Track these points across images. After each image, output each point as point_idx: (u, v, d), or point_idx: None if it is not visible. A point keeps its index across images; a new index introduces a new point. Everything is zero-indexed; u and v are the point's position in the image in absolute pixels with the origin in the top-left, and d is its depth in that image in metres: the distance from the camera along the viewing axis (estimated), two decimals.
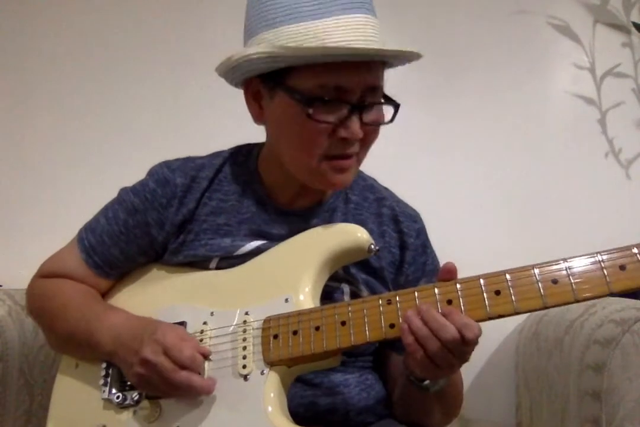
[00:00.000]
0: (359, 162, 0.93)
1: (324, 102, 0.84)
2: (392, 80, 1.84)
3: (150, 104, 1.75)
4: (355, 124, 0.86)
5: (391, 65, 0.95)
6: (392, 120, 0.92)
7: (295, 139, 0.89)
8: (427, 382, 0.82)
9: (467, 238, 1.62)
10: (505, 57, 1.75)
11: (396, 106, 0.92)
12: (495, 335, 1.56)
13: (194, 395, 0.83)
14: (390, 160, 1.66)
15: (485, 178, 1.70)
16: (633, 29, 1.71)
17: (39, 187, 1.71)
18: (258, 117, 0.94)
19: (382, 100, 0.91)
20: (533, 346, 1.35)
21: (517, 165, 1.70)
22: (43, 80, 1.77)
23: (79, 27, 1.79)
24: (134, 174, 1.04)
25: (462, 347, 0.73)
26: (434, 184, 1.69)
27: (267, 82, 0.89)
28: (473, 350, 0.76)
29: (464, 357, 0.76)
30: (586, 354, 1.03)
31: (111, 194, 1.05)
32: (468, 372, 1.54)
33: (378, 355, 1.02)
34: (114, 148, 1.72)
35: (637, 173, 1.70)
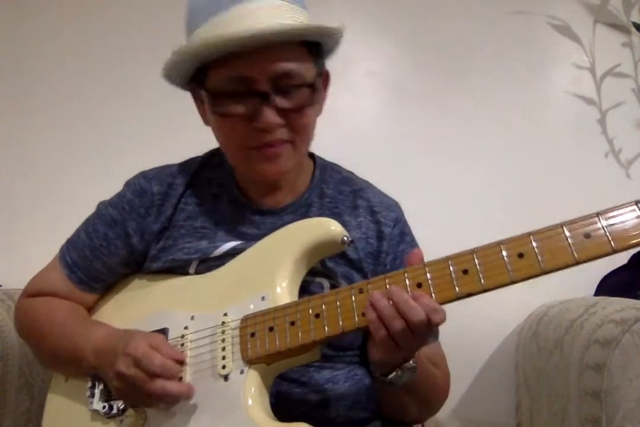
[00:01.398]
0: (296, 148, 0.92)
1: (228, 95, 0.87)
2: (392, 81, 1.85)
3: (150, 104, 1.75)
4: (267, 113, 0.86)
5: (326, 47, 0.93)
6: (311, 102, 0.90)
7: (220, 137, 0.94)
8: (391, 375, 0.81)
9: (466, 237, 1.61)
10: (505, 57, 1.75)
11: (311, 87, 0.90)
12: (495, 335, 1.56)
13: (174, 401, 0.83)
14: (390, 160, 1.66)
15: (485, 178, 1.70)
16: (633, 29, 1.71)
17: (39, 187, 1.71)
18: (205, 121, 0.98)
19: (295, 84, 0.88)
20: (533, 346, 1.35)
21: (516, 165, 1.70)
22: (43, 81, 1.78)
23: (78, 27, 1.79)
24: (134, 174, 1.04)
25: (426, 330, 0.74)
26: (434, 183, 1.69)
27: (195, 88, 0.94)
28: (432, 333, 0.78)
29: (423, 340, 0.77)
30: (586, 354, 1.03)
31: (111, 194, 1.05)
32: (468, 372, 1.54)
33: (366, 349, 1.02)
34: (114, 148, 1.72)
35: (637, 173, 1.70)
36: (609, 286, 1.44)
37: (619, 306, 1.04)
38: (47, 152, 1.74)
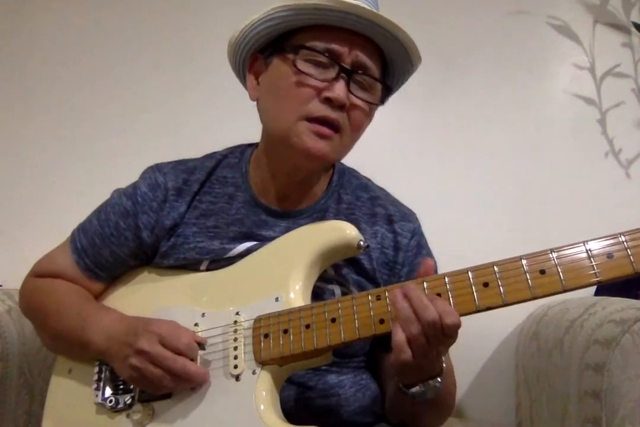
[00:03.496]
0: (342, 144, 0.92)
1: (313, 58, 0.88)
2: None
3: (150, 105, 1.75)
4: (340, 87, 0.87)
5: (393, 80, 0.98)
6: (382, 102, 0.94)
7: (280, 95, 0.90)
8: (414, 389, 0.80)
9: (467, 238, 1.62)
10: (505, 57, 1.75)
11: (387, 88, 0.94)
12: (495, 335, 1.56)
13: (189, 384, 0.82)
14: (390, 160, 1.66)
15: (485, 178, 1.70)
16: (633, 29, 1.71)
17: (39, 187, 1.71)
18: (253, 93, 0.96)
19: (369, 82, 0.91)
20: (533, 346, 1.35)
21: (517, 165, 1.70)
22: (43, 82, 1.78)
23: (78, 27, 1.80)
24: (135, 174, 1.04)
25: (440, 335, 0.72)
26: (434, 183, 1.69)
27: (266, 53, 0.93)
28: (451, 344, 0.75)
29: (438, 346, 0.74)
30: (586, 354, 1.02)
31: (110, 195, 1.05)
32: (468, 372, 1.54)
33: (371, 355, 1.02)
34: (114, 149, 1.72)
35: (637, 173, 1.70)
36: (609, 286, 1.43)
37: (619, 306, 1.04)
38: (48, 152, 1.74)
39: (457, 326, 0.72)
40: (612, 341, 0.96)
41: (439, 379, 0.79)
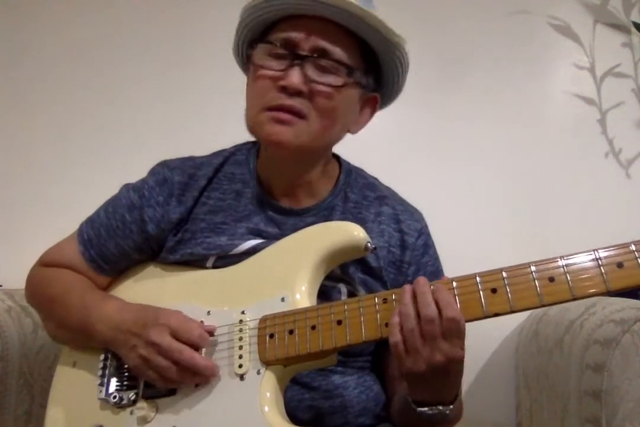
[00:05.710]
0: (310, 128, 0.90)
1: (271, 51, 0.90)
2: None
3: (151, 104, 1.75)
4: (294, 73, 0.88)
5: (382, 57, 0.96)
6: (343, 85, 0.90)
7: (248, 92, 0.95)
8: (422, 409, 0.79)
9: (467, 238, 1.62)
10: (505, 57, 1.75)
11: (348, 69, 0.91)
12: (495, 335, 1.56)
13: (195, 378, 0.82)
14: (389, 160, 1.66)
15: (485, 178, 1.70)
16: (633, 29, 1.71)
17: (39, 187, 1.71)
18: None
19: (332, 66, 0.90)
20: (533, 346, 1.35)
21: (517, 166, 1.70)
22: (43, 80, 1.78)
23: (79, 26, 1.80)
24: (136, 174, 1.05)
25: (438, 334, 0.71)
26: (433, 183, 1.69)
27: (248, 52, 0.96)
28: (453, 353, 0.73)
29: (434, 349, 0.72)
30: (586, 354, 1.02)
31: (112, 193, 1.05)
32: (468, 372, 1.53)
33: (376, 355, 1.01)
34: (115, 148, 1.72)
35: (637, 173, 1.70)
36: None
37: (619, 306, 1.04)
38: (48, 153, 1.74)
39: (457, 319, 0.71)
40: (612, 341, 0.96)
41: (450, 407, 0.79)
